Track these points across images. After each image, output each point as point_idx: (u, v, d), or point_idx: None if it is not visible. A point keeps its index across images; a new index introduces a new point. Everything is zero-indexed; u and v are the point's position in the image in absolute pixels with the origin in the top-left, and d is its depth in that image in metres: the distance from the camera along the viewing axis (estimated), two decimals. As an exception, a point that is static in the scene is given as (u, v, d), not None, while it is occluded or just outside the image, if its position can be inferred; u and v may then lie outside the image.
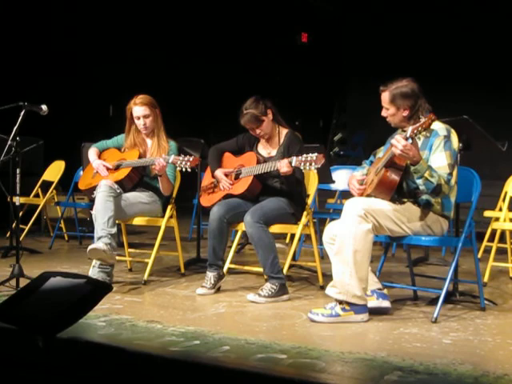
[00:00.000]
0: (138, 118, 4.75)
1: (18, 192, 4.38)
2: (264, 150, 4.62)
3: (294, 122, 7.82)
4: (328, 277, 4.04)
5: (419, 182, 3.59)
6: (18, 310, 2.67)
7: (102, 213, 4.35)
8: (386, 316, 3.76)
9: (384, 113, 3.85)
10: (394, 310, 3.88)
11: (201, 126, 8.83)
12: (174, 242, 5.01)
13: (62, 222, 6.93)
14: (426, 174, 3.54)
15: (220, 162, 4.70)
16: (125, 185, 4.63)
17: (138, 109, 4.73)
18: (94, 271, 4.37)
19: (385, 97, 3.82)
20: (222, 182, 4.57)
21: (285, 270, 4.42)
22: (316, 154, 4.02)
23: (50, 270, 3.08)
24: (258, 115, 4.43)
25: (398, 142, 3.50)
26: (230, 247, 4.81)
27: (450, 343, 3.23)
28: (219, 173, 4.61)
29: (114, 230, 4.38)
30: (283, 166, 4.16)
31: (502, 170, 6.04)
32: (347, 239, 3.57)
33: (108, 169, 4.76)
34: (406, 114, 3.78)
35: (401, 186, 3.75)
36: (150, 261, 4.70)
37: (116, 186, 4.49)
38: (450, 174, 3.65)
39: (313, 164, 4.00)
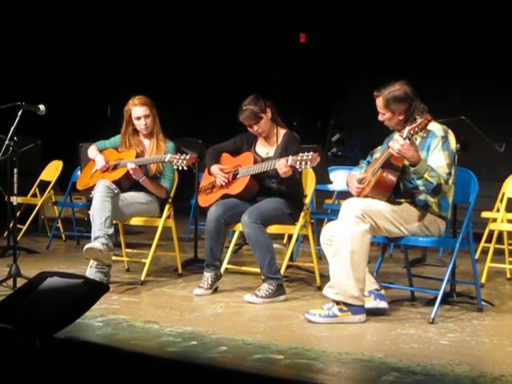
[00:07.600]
0: (139, 119, 4.73)
1: (15, 192, 4.37)
2: (262, 149, 4.61)
3: (292, 122, 7.80)
4: (325, 277, 4.03)
5: (419, 182, 3.59)
6: (15, 310, 2.67)
7: (99, 213, 4.35)
8: (384, 317, 3.76)
9: (380, 117, 3.86)
10: (391, 310, 3.88)
11: (199, 127, 8.83)
12: (172, 242, 5.01)
13: (59, 221, 6.93)
14: (426, 175, 3.55)
15: (218, 161, 4.70)
16: (122, 184, 4.63)
17: (138, 109, 4.72)
18: (91, 271, 4.37)
19: (379, 102, 3.82)
20: (218, 177, 4.57)
21: (282, 271, 4.42)
22: (311, 152, 4.02)
23: (47, 270, 3.07)
24: (257, 112, 4.43)
25: (395, 143, 3.51)
26: (228, 247, 4.80)
27: (447, 344, 3.23)
28: (215, 168, 4.60)
29: (111, 231, 4.38)
30: (282, 167, 4.16)
31: (500, 170, 6.04)
32: (344, 240, 3.57)
33: (106, 169, 4.77)
34: (401, 117, 3.79)
35: (398, 186, 3.76)
36: (148, 261, 4.69)
37: (114, 186, 4.49)
38: (449, 173, 3.66)
39: (308, 163, 3.99)
